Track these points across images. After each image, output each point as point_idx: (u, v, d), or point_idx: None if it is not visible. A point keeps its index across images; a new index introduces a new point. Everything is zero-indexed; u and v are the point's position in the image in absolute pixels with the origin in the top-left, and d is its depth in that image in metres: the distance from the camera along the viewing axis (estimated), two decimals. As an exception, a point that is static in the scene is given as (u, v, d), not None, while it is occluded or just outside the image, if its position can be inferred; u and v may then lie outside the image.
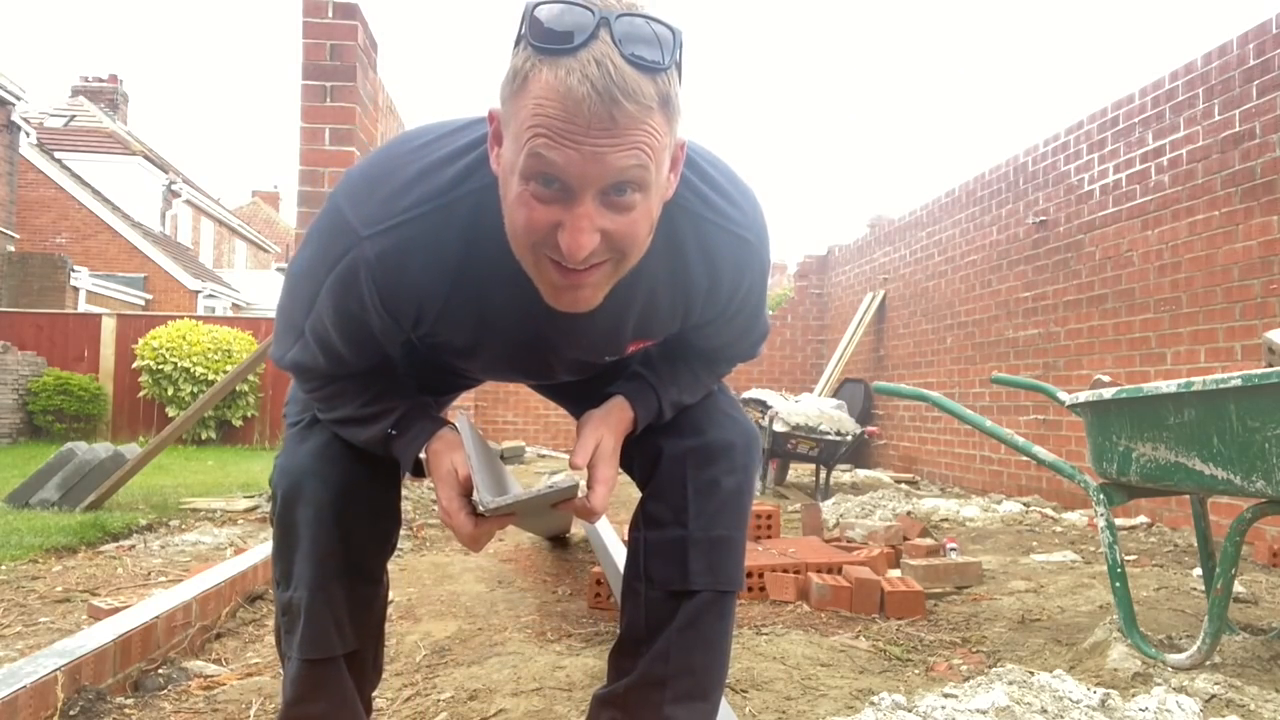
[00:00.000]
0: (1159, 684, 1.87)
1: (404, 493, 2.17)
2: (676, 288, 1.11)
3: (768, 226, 1.15)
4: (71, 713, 1.66)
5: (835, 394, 8.53)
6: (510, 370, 1.25)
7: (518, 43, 0.87)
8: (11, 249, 14.30)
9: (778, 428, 6.02)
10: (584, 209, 0.87)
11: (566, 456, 9.24)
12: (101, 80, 23.43)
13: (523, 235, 0.92)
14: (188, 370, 10.14)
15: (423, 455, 1.15)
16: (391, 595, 2.76)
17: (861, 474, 7.63)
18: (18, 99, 13.92)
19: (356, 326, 1.07)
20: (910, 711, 1.65)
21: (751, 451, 1.29)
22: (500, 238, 0.98)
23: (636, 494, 1.33)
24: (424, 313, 1.07)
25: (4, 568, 3.09)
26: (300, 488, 1.19)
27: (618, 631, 1.30)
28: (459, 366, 1.26)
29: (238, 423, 10.34)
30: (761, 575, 2.87)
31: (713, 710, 1.25)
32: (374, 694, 1.92)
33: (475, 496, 1.06)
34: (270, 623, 2.40)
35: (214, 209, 24.83)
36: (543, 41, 0.84)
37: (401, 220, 0.99)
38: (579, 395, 1.38)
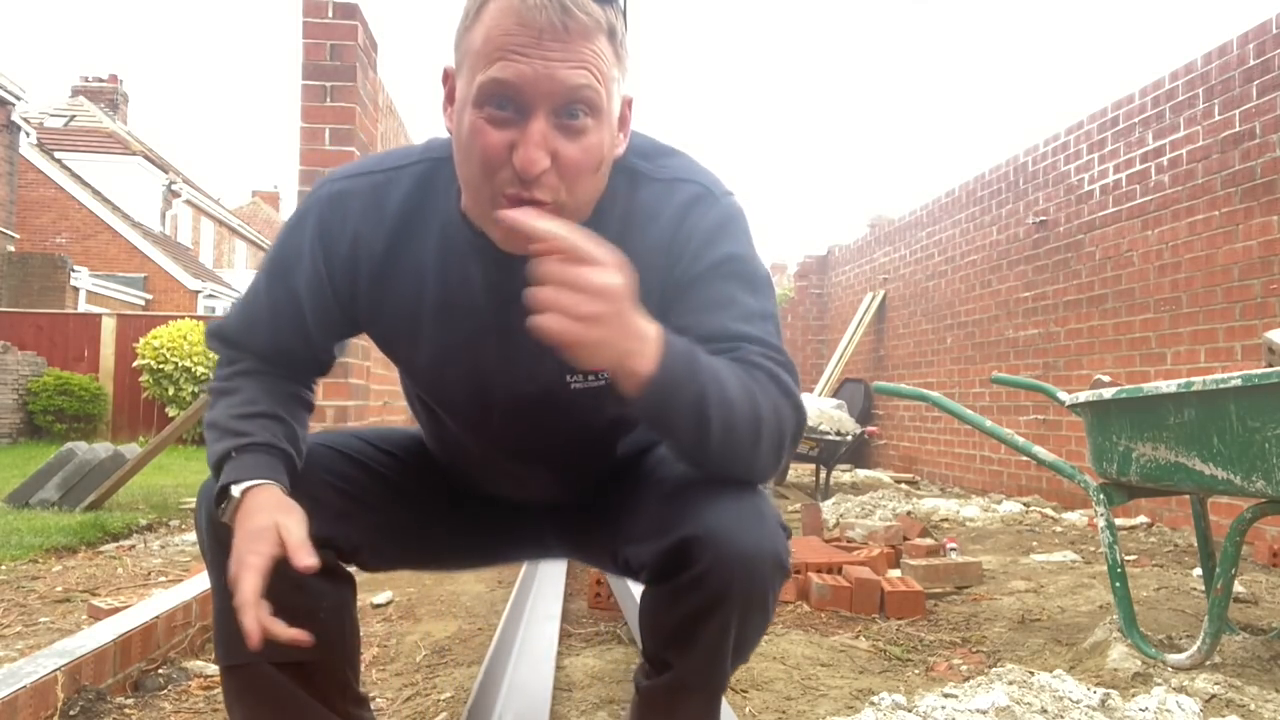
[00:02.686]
0: (1159, 684, 1.87)
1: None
2: (635, 259, 0.92)
3: (720, 181, 1.05)
4: (71, 713, 1.66)
5: (835, 394, 8.53)
6: (459, 374, 1.09)
7: None
8: (11, 249, 14.30)
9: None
10: (537, 124, 0.88)
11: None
12: (101, 80, 23.43)
13: (477, 164, 0.91)
14: (188, 370, 10.14)
15: (236, 493, 0.98)
16: (391, 595, 2.77)
17: (861, 474, 7.63)
18: (18, 99, 13.93)
19: (287, 280, 1.08)
20: (910, 711, 1.65)
21: (701, 546, 0.95)
22: (447, 204, 1.02)
23: None
24: (359, 271, 1.05)
25: (4, 568, 3.09)
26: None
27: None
28: (415, 380, 1.16)
29: (238, 423, 10.33)
30: (761, 575, 2.87)
31: None
32: (374, 696, 1.93)
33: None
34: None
35: (214, 209, 24.83)
36: None
37: (358, 173, 1.07)
38: (551, 466, 1.18)
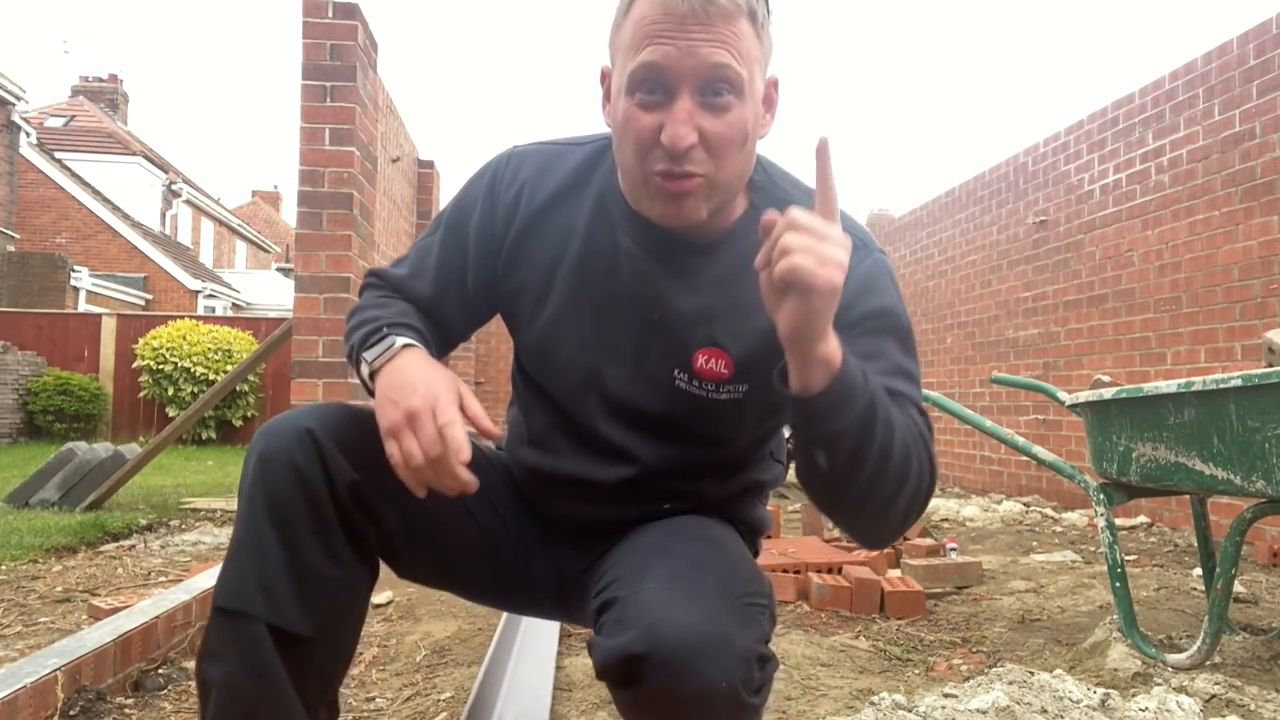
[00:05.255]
0: (1159, 684, 1.87)
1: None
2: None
3: (872, 236, 1.05)
4: (71, 713, 1.65)
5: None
6: (574, 338, 1.07)
7: None
8: (11, 249, 14.30)
9: (778, 428, 6.02)
10: (682, 103, 0.93)
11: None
12: (101, 80, 23.43)
13: (631, 147, 0.96)
14: (188, 370, 10.14)
15: (398, 343, 0.98)
16: (391, 595, 2.77)
17: (861, 474, 7.63)
18: (18, 99, 13.92)
19: (460, 230, 1.13)
20: (910, 711, 1.65)
21: (652, 663, 0.79)
22: (609, 179, 1.08)
23: None
24: (516, 217, 1.10)
25: (4, 568, 3.09)
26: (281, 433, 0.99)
27: None
28: (529, 341, 1.11)
29: (238, 423, 10.34)
30: (761, 575, 2.87)
31: None
32: (374, 696, 1.94)
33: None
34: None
35: (214, 209, 24.83)
36: None
37: (541, 143, 1.15)
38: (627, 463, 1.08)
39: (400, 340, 0.99)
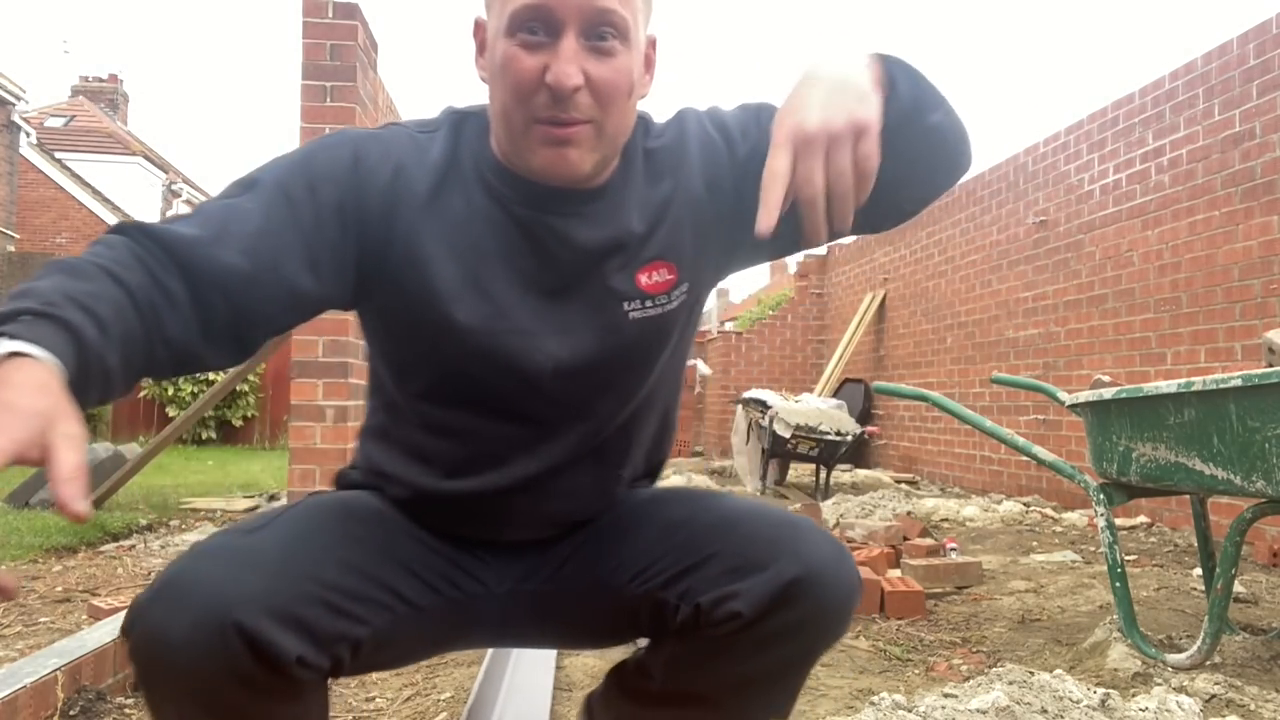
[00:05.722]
0: (1159, 684, 1.87)
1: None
2: (699, 172, 1.03)
3: None
4: (71, 713, 1.65)
5: (835, 394, 8.53)
6: (511, 328, 0.97)
7: None
8: (11, 249, 14.30)
9: (778, 428, 6.02)
10: (568, 42, 0.89)
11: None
12: (101, 80, 23.43)
13: (511, 91, 0.91)
14: (188, 370, 10.15)
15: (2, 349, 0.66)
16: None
17: (861, 474, 7.63)
18: (18, 99, 13.93)
19: (316, 194, 0.91)
20: (910, 711, 1.65)
21: (807, 585, 0.90)
22: (481, 152, 0.99)
23: None
24: (398, 208, 0.95)
25: (4, 568, 3.09)
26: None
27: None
28: (449, 346, 0.97)
29: (238, 423, 10.35)
30: (761, 575, 2.87)
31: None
32: (374, 696, 1.93)
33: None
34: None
35: (214, 209, 24.80)
36: None
37: (388, 129, 1.01)
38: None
39: (16, 347, 0.66)
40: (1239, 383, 1.74)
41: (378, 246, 0.95)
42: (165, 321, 0.81)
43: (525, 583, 1.06)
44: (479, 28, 0.99)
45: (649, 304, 1.02)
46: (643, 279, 1.01)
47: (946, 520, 4.98)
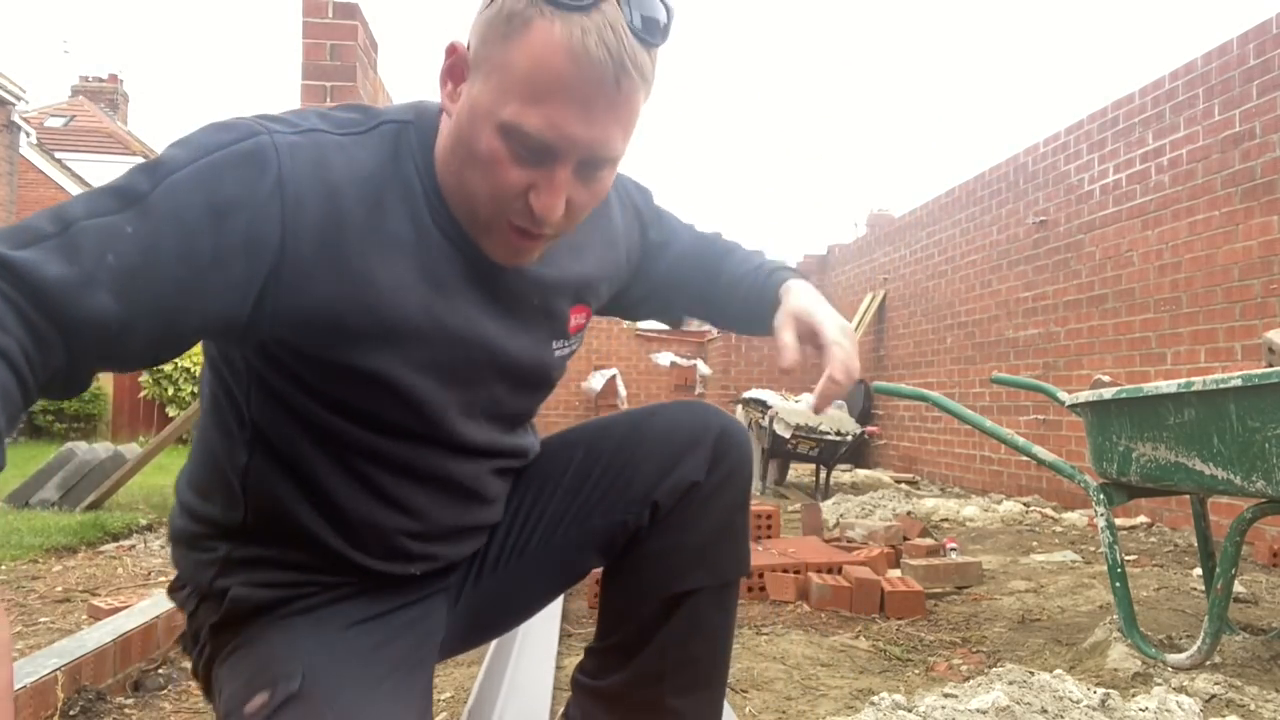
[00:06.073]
0: (1159, 684, 1.87)
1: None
2: (618, 236, 1.15)
3: None
4: (71, 713, 1.66)
5: (835, 394, 8.52)
6: (464, 358, 0.96)
7: None
8: (11, 249, 14.28)
9: (778, 428, 6.02)
10: (563, 176, 0.85)
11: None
12: (101, 80, 23.43)
13: (487, 190, 0.86)
14: (188, 370, 10.14)
15: None
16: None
17: (861, 474, 7.63)
18: (18, 99, 13.93)
19: (222, 224, 0.78)
20: (910, 711, 1.65)
21: (729, 438, 1.12)
22: (417, 176, 0.91)
23: None
24: (344, 235, 0.85)
25: (4, 568, 3.09)
26: None
27: (597, 627, 1.19)
28: (402, 378, 0.92)
29: (238, 423, 10.34)
30: (761, 575, 2.87)
31: (717, 697, 1.16)
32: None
33: None
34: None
35: (214, 209, 24.83)
36: None
37: (307, 129, 0.86)
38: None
39: None
40: (1239, 383, 1.74)
41: (299, 281, 0.83)
42: (41, 367, 0.71)
43: (471, 581, 1.14)
44: (455, 51, 0.87)
45: (567, 343, 1.09)
46: (573, 319, 1.08)
47: (946, 520, 4.98)
